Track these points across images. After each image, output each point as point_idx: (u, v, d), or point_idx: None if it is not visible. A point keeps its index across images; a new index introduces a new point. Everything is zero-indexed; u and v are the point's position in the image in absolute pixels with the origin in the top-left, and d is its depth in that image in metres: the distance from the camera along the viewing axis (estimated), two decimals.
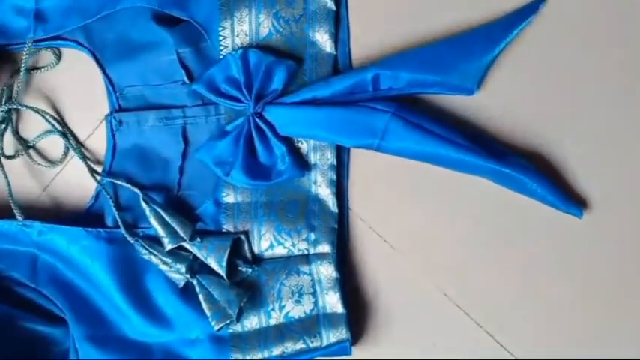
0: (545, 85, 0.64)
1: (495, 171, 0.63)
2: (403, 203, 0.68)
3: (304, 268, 0.68)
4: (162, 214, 0.68)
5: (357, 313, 0.69)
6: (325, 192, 0.69)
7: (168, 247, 0.67)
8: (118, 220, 0.69)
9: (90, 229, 0.69)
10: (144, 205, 0.68)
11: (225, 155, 0.67)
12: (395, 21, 0.67)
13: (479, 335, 0.67)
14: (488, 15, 0.64)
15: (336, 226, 0.69)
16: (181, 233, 0.67)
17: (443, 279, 0.68)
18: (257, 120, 0.67)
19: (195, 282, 0.68)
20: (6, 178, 0.70)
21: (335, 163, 0.69)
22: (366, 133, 0.66)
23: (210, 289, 0.67)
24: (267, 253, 0.69)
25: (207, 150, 0.68)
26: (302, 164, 0.68)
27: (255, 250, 0.69)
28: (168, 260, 0.68)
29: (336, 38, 0.68)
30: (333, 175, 0.69)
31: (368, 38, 0.68)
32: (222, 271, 0.67)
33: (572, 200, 0.64)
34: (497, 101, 0.65)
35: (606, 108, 0.64)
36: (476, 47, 0.63)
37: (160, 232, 0.67)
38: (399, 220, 0.69)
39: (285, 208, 0.69)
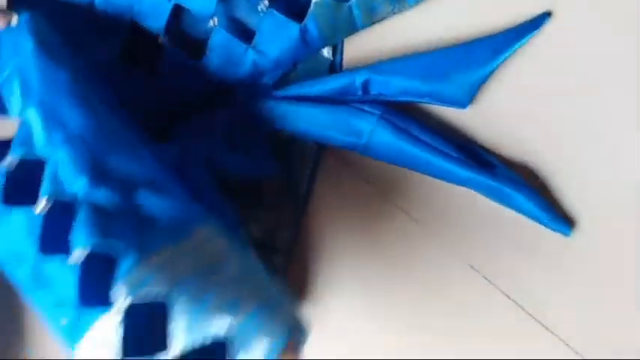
0: (540, 102, 0.62)
1: (483, 184, 0.61)
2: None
3: None
4: None
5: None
6: None
7: None
8: None
9: None
10: None
11: None
12: (392, 25, 0.64)
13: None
14: (489, 29, 0.61)
15: None
16: None
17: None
18: None
19: None
20: None
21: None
22: (352, 132, 0.63)
23: None
24: None
25: None
26: None
27: None
28: None
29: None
30: None
31: (362, 41, 0.65)
32: None
33: (561, 217, 0.61)
34: (489, 114, 0.63)
35: (602, 124, 0.61)
36: (472, 60, 0.61)
37: None
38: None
39: None
